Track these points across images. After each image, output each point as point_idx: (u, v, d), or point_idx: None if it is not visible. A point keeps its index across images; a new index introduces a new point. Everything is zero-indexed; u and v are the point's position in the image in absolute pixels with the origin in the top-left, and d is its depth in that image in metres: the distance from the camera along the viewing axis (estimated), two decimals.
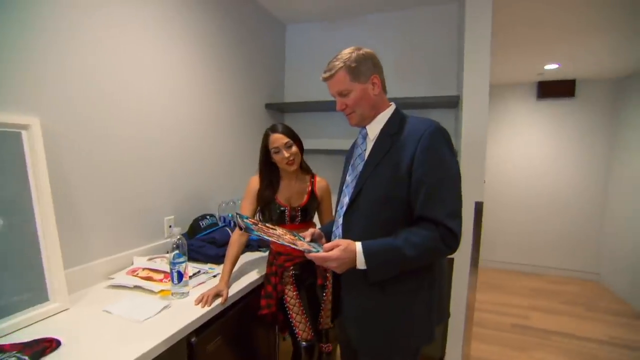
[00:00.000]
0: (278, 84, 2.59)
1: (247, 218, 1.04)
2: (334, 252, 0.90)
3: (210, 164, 1.91)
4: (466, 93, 1.79)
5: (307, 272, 1.45)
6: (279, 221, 1.44)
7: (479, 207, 1.77)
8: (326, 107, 2.33)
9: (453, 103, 2.10)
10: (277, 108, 2.50)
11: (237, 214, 1.00)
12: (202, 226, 1.62)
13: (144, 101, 1.47)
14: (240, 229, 0.93)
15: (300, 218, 1.45)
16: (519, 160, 4.01)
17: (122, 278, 1.26)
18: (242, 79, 2.15)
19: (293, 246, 0.94)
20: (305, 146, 2.54)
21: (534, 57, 2.98)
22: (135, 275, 1.28)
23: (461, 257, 1.86)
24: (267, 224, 1.07)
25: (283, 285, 1.41)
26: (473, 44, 1.76)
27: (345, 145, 2.18)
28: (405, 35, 2.30)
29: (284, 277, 1.42)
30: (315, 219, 1.55)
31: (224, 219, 1.89)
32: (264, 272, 1.47)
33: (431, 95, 2.15)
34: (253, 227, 0.97)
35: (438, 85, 2.22)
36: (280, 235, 1.00)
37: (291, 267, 1.41)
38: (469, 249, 1.82)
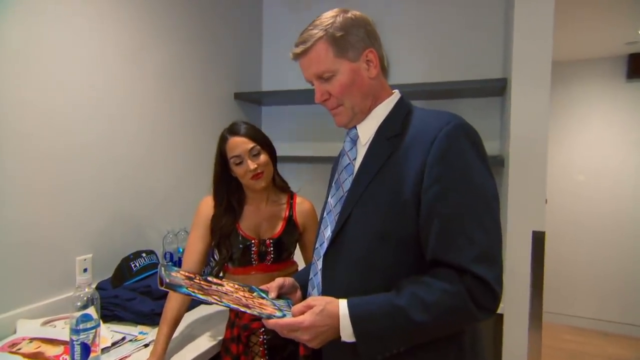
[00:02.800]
0: (253, 67, 2.61)
1: (176, 270, 0.96)
2: (305, 318, 0.82)
3: (153, 177, 1.88)
4: (517, 73, 1.74)
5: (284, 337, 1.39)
6: (242, 261, 1.40)
7: (538, 239, 1.69)
8: None
9: (498, 89, 2.05)
10: (251, 99, 2.50)
11: (161, 265, 0.93)
12: (133, 269, 1.56)
13: (51, 92, 1.43)
14: (161, 284, 0.84)
15: (272, 256, 1.41)
16: (598, 171, 3.90)
17: None
18: (201, 61, 2.15)
19: (243, 309, 0.85)
20: (292, 152, 2.65)
21: (622, 17, 2.83)
22: (15, 352, 1.17)
23: (515, 310, 1.76)
24: (209, 278, 1.00)
25: (249, 357, 1.34)
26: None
27: None
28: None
29: (251, 346, 1.35)
30: (299, 257, 1.52)
31: (171, 256, 1.84)
32: (221, 337, 1.40)
33: (467, 79, 2.12)
34: (183, 282, 0.88)
35: (477, 66, 2.21)
36: (226, 292, 0.92)
37: (261, 330, 1.34)
38: (527, 299, 1.73)
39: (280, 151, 2.53)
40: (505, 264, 1.74)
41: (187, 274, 0.96)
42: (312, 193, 1.59)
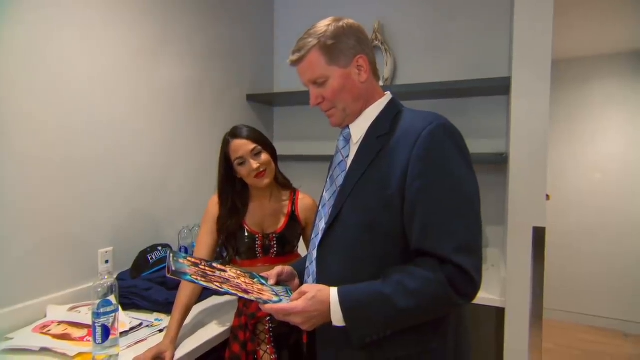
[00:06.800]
0: (265, 69, 2.67)
1: (184, 257, 1.03)
2: (298, 303, 0.89)
3: (169, 175, 1.97)
4: (517, 71, 1.75)
5: (289, 325, 1.42)
6: (249, 254, 1.47)
7: (539, 235, 1.69)
8: None
9: (502, 88, 2.07)
10: (263, 100, 2.57)
11: (170, 252, 1.00)
12: (150, 261, 1.65)
13: (70, 92, 1.51)
14: (168, 272, 0.92)
15: (276, 249, 1.49)
16: (614, 168, 3.86)
17: (26, 337, 1.25)
18: (213, 63, 2.21)
19: (242, 295, 0.92)
20: (303, 151, 2.73)
21: (635, 9, 2.82)
22: (45, 333, 1.26)
23: (516, 306, 1.77)
24: (214, 264, 1.07)
25: (256, 344, 1.40)
26: None
27: None
28: None
29: (258, 333, 1.41)
30: (303, 249, 1.56)
31: (186, 250, 1.92)
32: (229, 325, 1.46)
33: (475, 77, 2.14)
34: (188, 269, 0.96)
35: (486, 65, 2.23)
36: (228, 279, 0.99)
37: (267, 319, 1.40)
38: (527, 295, 1.74)
39: (292, 150, 2.65)
40: (507, 259, 1.75)
41: (193, 260, 1.04)
42: (319, 189, 1.59)
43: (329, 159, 2.34)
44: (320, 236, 1.01)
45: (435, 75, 2.28)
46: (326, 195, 1.06)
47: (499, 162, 2.07)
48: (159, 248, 1.70)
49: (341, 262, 0.96)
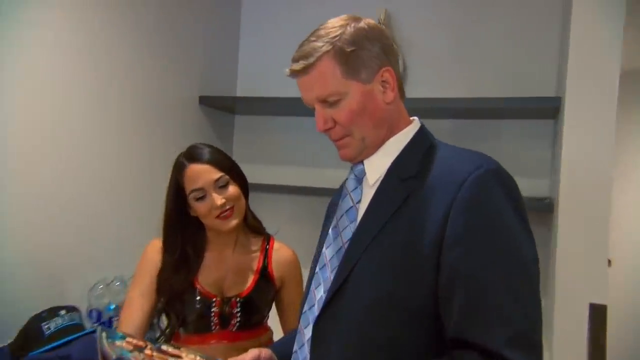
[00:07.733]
0: (226, 67, 2.74)
1: (121, 338, 0.98)
2: None
3: (80, 204, 1.92)
4: (571, 89, 1.79)
5: None
6: (199, 326, 1.44)
7: (598, 314, 1.71)
8: (309, 109, 2.42)
9: (549, 111, 2.11)
10: (221, 105, 2.59)
11: (102, 330, 0.97)
12: (46, 332, 1.59)
13: None
14: None
15: (239, 320, 1.45)
16: None
17: None
18: (153, 51, 2.25)
19: None
20: (272, 178, 2.71)
21: None
22: None
23: None
24: (163, 347, 1.03)
25: None
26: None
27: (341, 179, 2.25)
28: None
29: None
30: (274, 321, 1.57)
31: (98, 315, 1.85)
32: None
33: (506, 95, 2.17)
34: (132, 357, 0.92)
35: (525, 81, 2.27)
36: None
37: None
38: None
39: (256, 176, 2.57)
40: (553, 343, 1.76)
41: (135, 342, 0.99)
42: (297, 235, 1.63)
43: (309, 191, 2.36)
44: (317, 310, 0.99)
45: (458, 89, 2.32)
46: (327, 253, 1.05)
47: (540, 209, 2.08)
48: (62, 312, 1.66)
49: (345, 348, 0.94)
